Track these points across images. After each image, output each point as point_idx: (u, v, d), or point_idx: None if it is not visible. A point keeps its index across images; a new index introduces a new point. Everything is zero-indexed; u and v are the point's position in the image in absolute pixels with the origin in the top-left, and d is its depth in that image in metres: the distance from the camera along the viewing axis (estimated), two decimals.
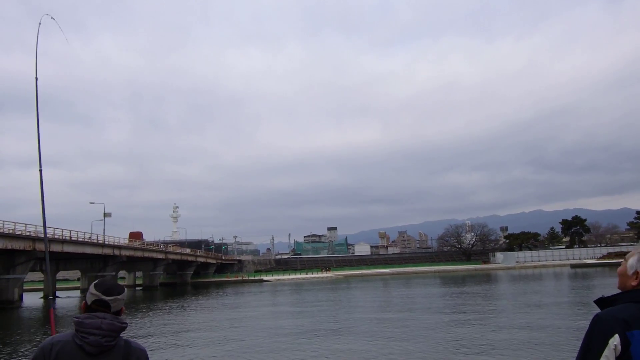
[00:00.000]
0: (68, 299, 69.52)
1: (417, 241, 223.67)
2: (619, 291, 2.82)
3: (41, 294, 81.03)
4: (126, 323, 3.22)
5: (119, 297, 3.24)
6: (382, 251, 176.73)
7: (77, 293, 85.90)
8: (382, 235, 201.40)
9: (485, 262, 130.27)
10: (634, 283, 2.75)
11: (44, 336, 27.92)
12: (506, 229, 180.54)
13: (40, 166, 6.98)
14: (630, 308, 2.60)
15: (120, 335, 3.21)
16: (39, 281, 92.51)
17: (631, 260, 2.82)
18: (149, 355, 3.24)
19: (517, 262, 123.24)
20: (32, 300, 70.46)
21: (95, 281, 3.31)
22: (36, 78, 8.24)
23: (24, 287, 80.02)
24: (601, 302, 2.79)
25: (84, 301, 3.22)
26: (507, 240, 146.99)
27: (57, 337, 3.11)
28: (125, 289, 3.89)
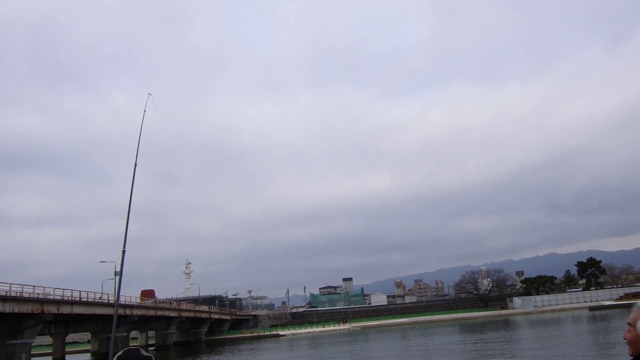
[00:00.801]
0: None
1: (434, 289, 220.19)
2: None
3: (50, 358, 79.55)
4: None
5: None
6: (398, 300, 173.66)
7: (88, 356, 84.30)
8: (398, 284, 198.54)
9: (503, 308, 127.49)
10: None
11: None
12: (522, 273, 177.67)
13: (124, 247, 6.86)
14: None
15: None
16: (48, 345, 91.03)
17: (639, 324, 2.37)
18: None
19: (535, 306, 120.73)
20: None
21: (119, 353, 3.00)
22: (135, 164, 8.26)
23: (32, 352, 78.80)
24: None
25: None
26: (524, 285, 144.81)
27: None
28: (152, 358, 3.36)
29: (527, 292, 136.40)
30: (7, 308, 48.58)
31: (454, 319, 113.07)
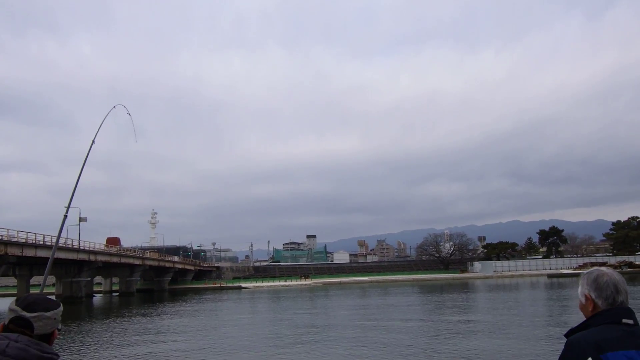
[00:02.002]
0: None
1: (396, 250, 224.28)
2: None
3: (15, 298, 79.44)
4: (53, 354, 2.35)
5: (47, 314, 2.43)
6: (361, 259, 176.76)
7: (53, 298, 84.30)
8: (361, 244, 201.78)
9: (463, 271, 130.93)
10: (590, 308, 2.66)
11: None
12: (484, 238, 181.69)
13: (67, 212, 6.88)
14: (601, 331, 2.51)
15: None
16: (13, 286, 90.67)
17: (579, 290, 2.75)
18: None
19: (494, 271, 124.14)
20: (6, 305, 69.14)
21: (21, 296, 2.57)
22: (93, 141, 8.34)
23: None
24: (571, 333, 2.65)
25: (2, 322, 2.47)
26: (485, 250, 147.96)
27: None
28: (61, 305, 2.67)
29: (488, 257, 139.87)
30: None
31: (414, 280, 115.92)
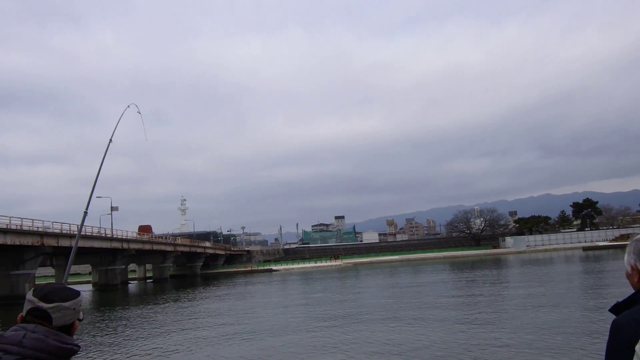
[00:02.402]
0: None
1: (425, 228, 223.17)
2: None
3: None
4: (73, 344, 2.22)
5: (65, 304, 2.26)
6: (390, 239, 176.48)
7: (89, 286, 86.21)
8: (390, 223, 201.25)
9: (495, 247, 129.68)
10: (636, 279, 2.35)
11: None
12: (515, 213, 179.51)
13: (86, 209, 6.84)
14: None
15: None
16: (51, 276, 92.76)
17: (625, 259, 2.44)
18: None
19: (527, 246, 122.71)
20: None
21: (38, 284, 2.40)
22: (110, 140, 8.37)
23: (37, 282, 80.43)
24: (617, 309, 2.37)
25: (20, 313, 2.29)
26: (517, 225, 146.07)
27: None
28: (80, 295, 2.48)
29: (520, 232, 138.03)
30: (9, 240, 49.71)
31: (445, 257, 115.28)
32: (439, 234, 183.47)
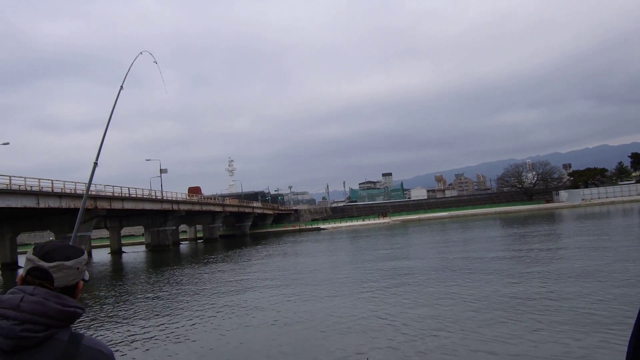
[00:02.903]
0: (134, 254, 71.54)
1: (475, 183, 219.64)
2: None
3: (109, 249, 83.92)
4: (76, 307, 1.97)
5: (67, 263, 2.01)
6: (439, 195, 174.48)
7: (142, 247, 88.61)
8: (439, 179, 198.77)
9: (548, 201, 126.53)
10: None
11: (107, 287, 28.45)
12: (569, 166, 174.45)
13: (97, 160, 6.37)
14: None
15: (69, 326, 1.97)
16: (106, 238, 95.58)
17: None
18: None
19: (582, 199, 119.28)
20: (101, 256, 73.14)
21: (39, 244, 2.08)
22: (121, 87, 7.95)
23: (93, 244, 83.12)
24: None
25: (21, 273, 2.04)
26: (572, 178, 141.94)
27: None
28: (85, 253, 2.14)
29: (574, 186, 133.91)
30: (64, 204, 51.23)
31: (495, 213, 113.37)
32: (489, 189, 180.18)
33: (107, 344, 13.86)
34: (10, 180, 44.99)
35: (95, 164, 6.24)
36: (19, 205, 45.34)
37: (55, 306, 1.87)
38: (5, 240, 57.87)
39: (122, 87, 7.91)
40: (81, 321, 18.61)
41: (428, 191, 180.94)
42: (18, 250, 61.37)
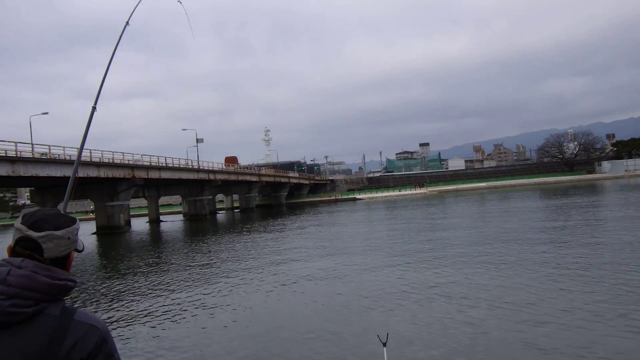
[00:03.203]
0: (172, 223, 72.58)
1: (514, 153, 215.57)
2: None
3: (147, 218, 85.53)
4: (67, 280, 1.83)
5: (57, 233, 1.85)
6: (477, 165, 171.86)
7: (180, 216, 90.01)
8: (477, 149, 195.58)
9: (589, 172, 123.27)
10: None
11: (144, 254, 28.87)
12: (613, 136, 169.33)
13: (95, 104, 5.97)
14: None
15: (62, 299, 1.83)
16: (145, 207, 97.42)
17: None
18: None
19: (626, 170, 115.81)
20: (139, 225, 74.53)
21: (25, 211, 1.92)
22: (127, 22, 7.61)
23: (132, 213, 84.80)
24: None
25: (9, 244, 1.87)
26: (615, 148, 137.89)
27: None
28: (77, 222, 1.95)
29: (618, 156, 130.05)
30: (102, 173, 52.13)
31: (535, 184, 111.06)
32: (529, 160, 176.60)
33: (139, 314, 13.96)
34: (49, 149, 45.95)
35: (94, 108, 5.85)
36: (58, 174, 46.31)
37: (45, 279, 1.76)
38: None
39: (128, 22, 7.57)
40: (111, 290, 18.85)
41: (466, 162, 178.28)
42: None
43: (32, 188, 64.46)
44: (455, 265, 18.10)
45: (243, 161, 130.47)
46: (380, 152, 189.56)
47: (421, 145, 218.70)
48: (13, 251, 1.84)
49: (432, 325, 10.61)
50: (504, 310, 11.36)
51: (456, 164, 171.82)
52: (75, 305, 13.79)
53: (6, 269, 1.75)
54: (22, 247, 1.82)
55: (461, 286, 14.35)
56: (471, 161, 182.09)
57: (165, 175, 64.39)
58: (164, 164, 64.01)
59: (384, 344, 4.63)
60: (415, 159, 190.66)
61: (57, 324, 1.76)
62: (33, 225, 1.83)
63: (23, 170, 42.78)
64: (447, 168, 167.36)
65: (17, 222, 1.87)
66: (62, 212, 1.97)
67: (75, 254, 1.96)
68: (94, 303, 16.26)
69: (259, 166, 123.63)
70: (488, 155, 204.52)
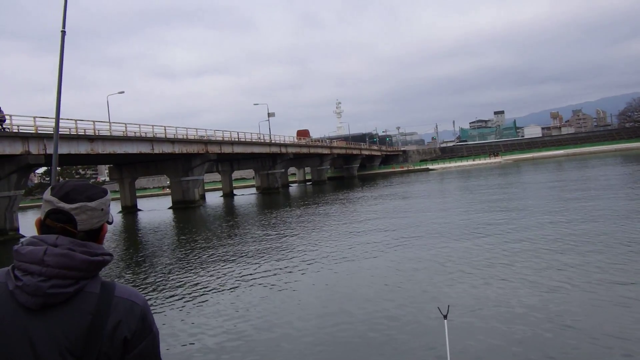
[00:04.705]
0: (245, 197, 74.30)
1: (594, 119, 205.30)
2: None
3: (221, 192, 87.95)
4: (104, 254, 1.76)
5: (91, 204, 1.76)
6: (554, 132, 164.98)
7: (253, 190, 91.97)
8: (555, 116, 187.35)
9: None
10: None
11: (214, 228, 29.82)
12: None
13: (63, 28, 5.67)
14: None
15: (97, 275, 1.76)
16: (219, 181, 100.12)
17: None
18: None
19: None
20: (214, 199, 76.80)
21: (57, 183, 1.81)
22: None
23: (207, 187, 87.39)
24: None
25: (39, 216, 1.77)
26: None
27: None
28: (109, 193, 1.84)
29: None
30: (177, 149, 53.86)
31: (616, 150, 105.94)
32: (609, 126, 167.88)
33: (213, 282, 14.49)
34: (126, 127, 47.89)
35: (63, 32, 5.66)
36: (134, 151, 48.26)
37: (83, 257, 1.67)
38: (125, 185, 62.34)
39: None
40: (189, 262, 19.59)
41: (543, 129, 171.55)
42: (137, 194, 66.20)
43: (111, 165, 67.66)
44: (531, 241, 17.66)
45: (315, 134, 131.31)
46: (454, 122, 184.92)
47: (496, 113, 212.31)
48: (43, 224, 1.75)
49: (499, 299, 10.46)
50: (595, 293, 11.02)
51: (532, 131, 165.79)
52: (147, 276, 14.41)
53: (41, 248, 1.65)
54: (54, 220, 1.72)
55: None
56: (548, 128, 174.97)
57: (238, 149, 65.75)
58: (237, 139, 65.35)
59: (445, 317, 4.65)
60: (490, 127, 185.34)
61: (98, 301, 1.68)
62: (65, 196, 1.74)
63: (101, 148, 44.76)
64: (522, 136, 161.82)
65: (47, 194, 1.78)
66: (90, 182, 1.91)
67: (107, 226, 1.89)
68: (182, 270, 16.98)
69: (331, 138, 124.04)
70: (566, 121, 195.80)
